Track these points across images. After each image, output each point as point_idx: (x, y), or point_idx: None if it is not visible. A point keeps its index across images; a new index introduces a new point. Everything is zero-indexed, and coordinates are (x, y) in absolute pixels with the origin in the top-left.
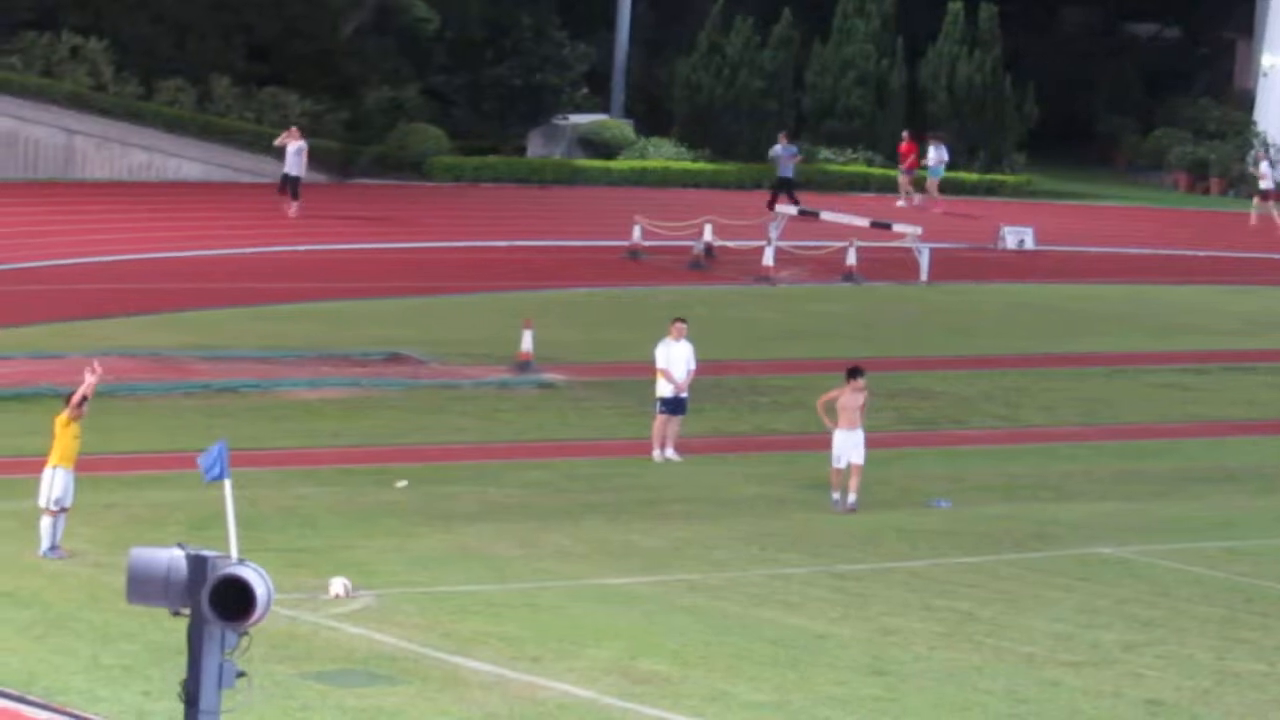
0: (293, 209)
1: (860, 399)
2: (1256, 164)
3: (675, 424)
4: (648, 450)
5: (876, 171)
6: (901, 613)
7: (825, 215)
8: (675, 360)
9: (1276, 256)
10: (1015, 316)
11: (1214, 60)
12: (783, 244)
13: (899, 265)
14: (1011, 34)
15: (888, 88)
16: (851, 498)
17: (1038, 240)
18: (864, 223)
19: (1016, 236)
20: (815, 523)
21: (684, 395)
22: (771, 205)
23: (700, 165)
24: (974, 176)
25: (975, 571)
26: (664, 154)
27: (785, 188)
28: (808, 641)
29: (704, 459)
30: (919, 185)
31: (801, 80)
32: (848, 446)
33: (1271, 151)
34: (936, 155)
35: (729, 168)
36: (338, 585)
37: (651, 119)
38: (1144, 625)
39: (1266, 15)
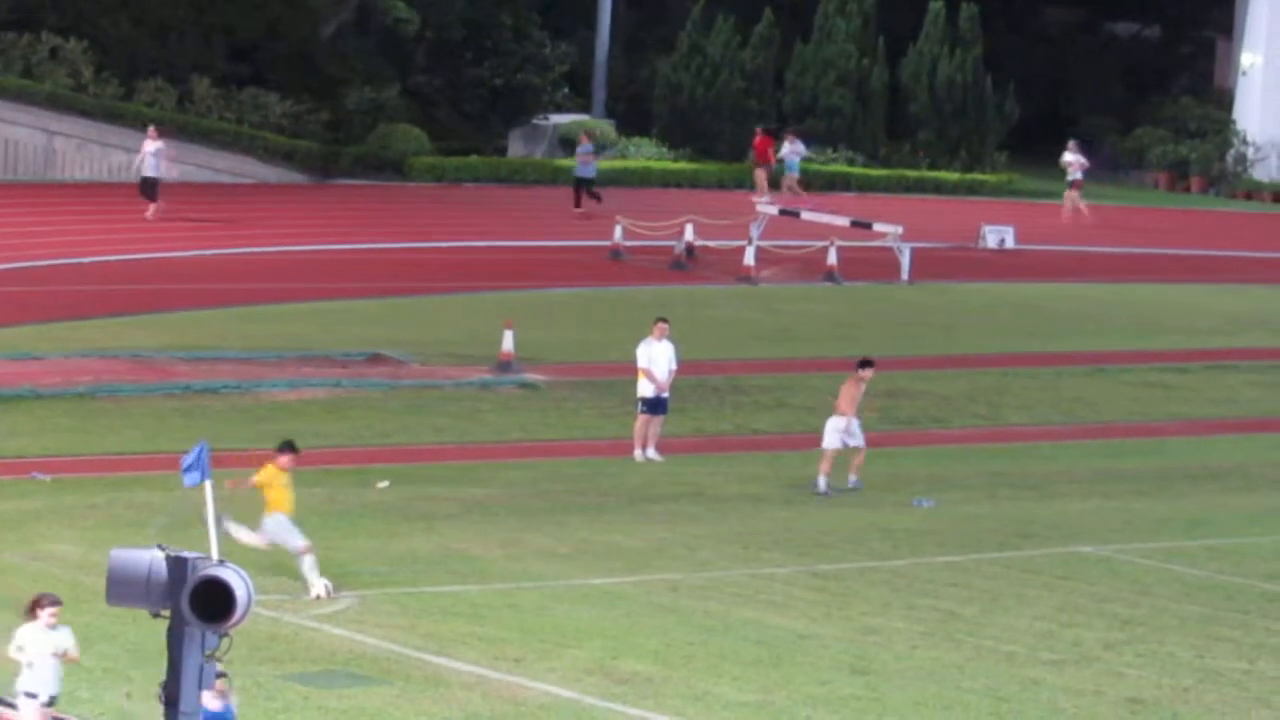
0: (150, 211)
1: (862, 389)
2: (1064, 154)
3: (657, 424)
4: (630, 450)
5: (857, 171)
6: (883, 612)
7: (806, 215)
8: (657, 360)
9: (1262, 255)
10: (996, 316)
11: (1194, 59)
12: (764, 243)
13: (880, 264)
14: (992, 33)
15: (869, 87)
16: (853, 478)
17: (1019, 239)
18: (844, 222)
19: (997, 235)
20: (798, 522)
21: (665, 395)
22: (577, 204)
23: (681, 165)
24: (955, 176)
25: (957, 570)
26: (645, 154)
27: (583, 185)
28: (790, 641)
29: (686, 458)
30: (774, 181)
31: (782, 80)
32: (842, 430)
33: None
34: (791, 150)
35: (710, 167)
36: (320, 586)
37: (632, 119)
38: (1125, 624)
39: (1246, 14)
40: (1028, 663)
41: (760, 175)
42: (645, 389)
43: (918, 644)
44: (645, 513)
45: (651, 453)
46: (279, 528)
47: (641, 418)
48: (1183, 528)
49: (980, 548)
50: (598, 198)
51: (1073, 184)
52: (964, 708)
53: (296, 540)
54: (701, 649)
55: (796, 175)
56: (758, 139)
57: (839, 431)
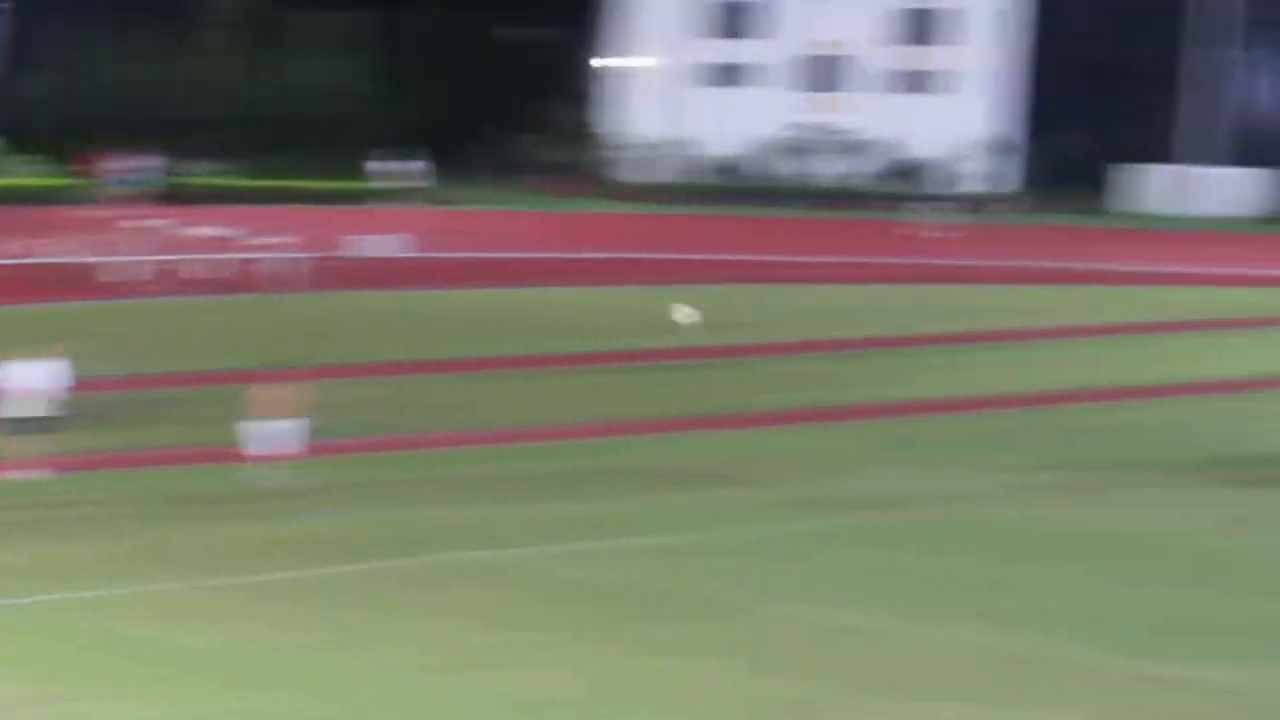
0: None
1: (282, 392)
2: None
3: (33, 443)
4: (10, 471)
5: (240, 183)
6: (276, 624)
7: (190, 229)
8: (26, 380)
9: (642, 255)
10: (387, 324)
11: (572, 65)
12: (150, 258)
13: (261, 276)
14: (382, 40)
15: (250, 99)
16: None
17: (406, 247)
18: (228, 234)
19: (384, 244)
20: (188, 537)
21: (45, 414)
22: None
23: (64, 181)
24: (332, 184)
25: (351, 580)
26: (27, 171)
27: None
28: (181, 657)
29: (73, 477)
30: (106, 195)
31: (166, 93)
32: (275, 431)
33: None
34: (124, 166)
35: (91, 184)
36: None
37: (13, 135)
38: (523, 628)
39: (613, 21)
40: (421, 670)
41: (96, 190)
42: (15, 409)
43: (309, 654)
44: (31, 531)
45: (30, 473)
46: None
47: (12, 438)
48: (586, 529)
49: (374, 556)
50: None
51: (110, 190)
52: (355, 718)
53: None
54: (90, 668)
55: (136, 190)
56: (87, 155)
57: (273, 434)
